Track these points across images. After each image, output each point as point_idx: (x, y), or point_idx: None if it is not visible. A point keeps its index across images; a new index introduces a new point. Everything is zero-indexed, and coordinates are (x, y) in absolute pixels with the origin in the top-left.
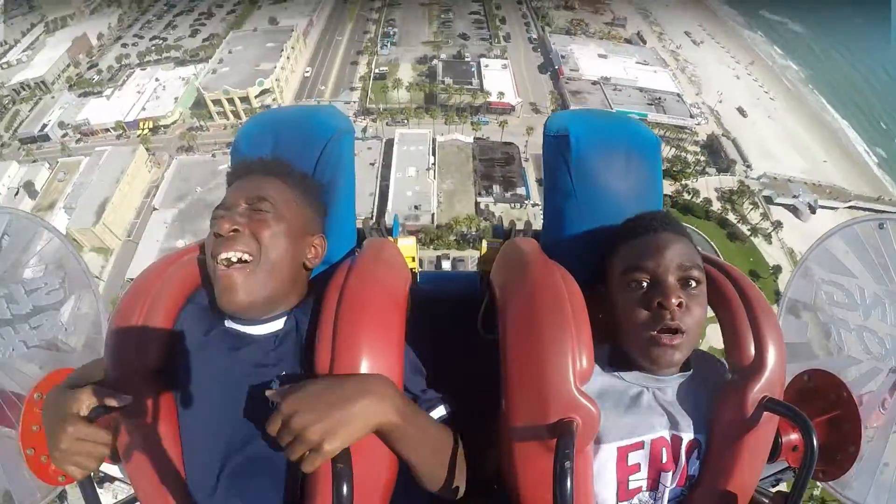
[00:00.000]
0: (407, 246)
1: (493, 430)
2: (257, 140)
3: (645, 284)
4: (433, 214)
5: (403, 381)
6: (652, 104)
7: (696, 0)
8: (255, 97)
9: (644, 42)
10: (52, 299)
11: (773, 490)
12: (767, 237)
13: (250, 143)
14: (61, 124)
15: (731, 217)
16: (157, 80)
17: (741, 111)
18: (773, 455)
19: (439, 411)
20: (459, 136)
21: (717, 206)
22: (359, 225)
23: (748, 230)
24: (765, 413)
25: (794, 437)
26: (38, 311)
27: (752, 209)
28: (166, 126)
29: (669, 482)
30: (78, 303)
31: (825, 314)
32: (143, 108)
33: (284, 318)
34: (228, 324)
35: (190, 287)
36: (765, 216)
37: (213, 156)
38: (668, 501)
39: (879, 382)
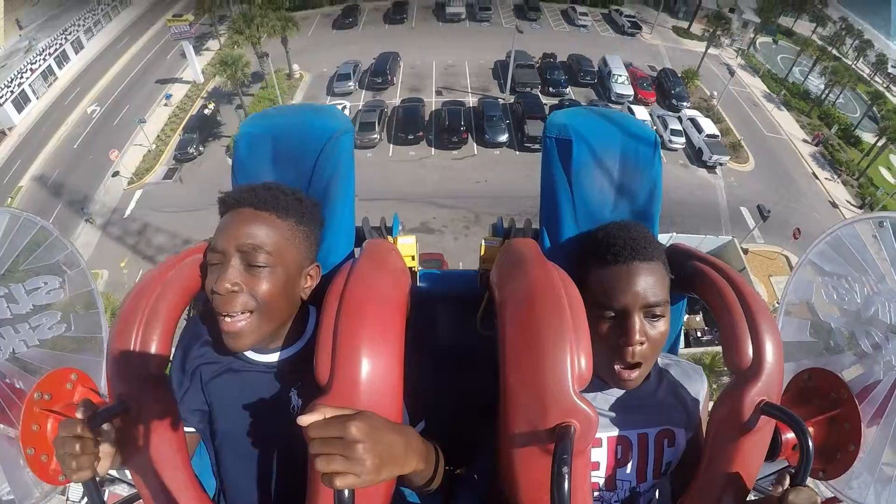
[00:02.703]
0: (406, 245)
1: (492, 430)
2: (257, 140)
3: (611, 317)
4: None
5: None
6: None
7: None
8: None
9: None
10: (52, 299)
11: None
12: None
13: (250, 144)
14: None
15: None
16: None
17: None
18: (774, 454)
19: (422, 424)
20: None
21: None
22: (358, 224)
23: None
24: (762, 416)
25: (793, 435)
26: (38, 310)
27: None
28: None
29: (632, 480)
30: (78, 302)
31: (825, 312)
32: None
33: (283, 348)
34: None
35: (191, 292)
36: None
37: None
38: (644, 492)
39: (880, 382)
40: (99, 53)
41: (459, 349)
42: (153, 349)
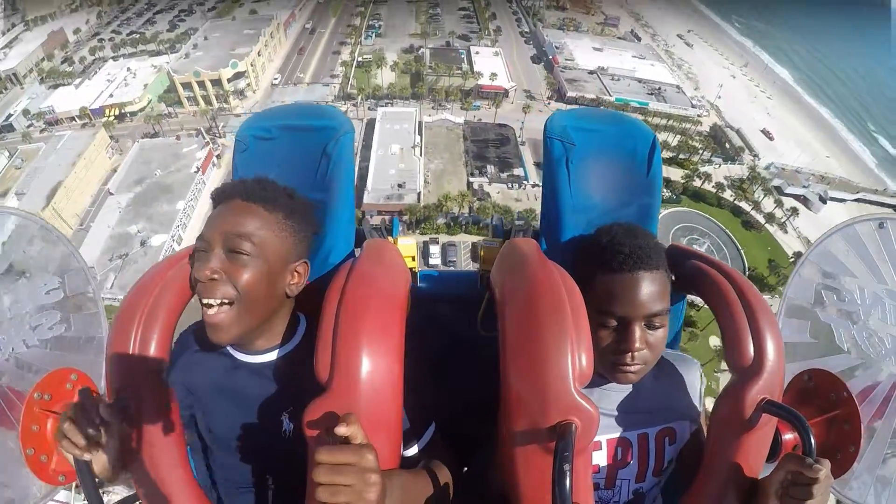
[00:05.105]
0: (407, 245)
1: (493, 430)
2: (258, 141)
3: (613, 323)
4: (419, 193)
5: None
6: (652, 94)
7: (684, 2)
8: (228, 80)
9: (639, 39)
10: (52, 299)
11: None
12: (782, 226)
13: (251, 144)
14: (25, 112)
15: (744, 206)
16: (128, 69)
17: (766, 133)
18: (774, 453)
19: (427, 434)
20: (449, 117)
21: (727, 194)
22: (358, 225)
23: (763, 219)
24: (763, 414)
25: (794, 435)
26: (38, 311)
27: (763, 197)
28: (133, 113)
29: (632, 478)
30: (78, 302)
31: (825, 314)
32: (111, 96)
33: (278, 350)
34: (231, 351)
35: (190, 290)
36: (779, 203)
37: (178, 138)
38: (648, 490)
39: (880, 382)
40: None
41: (460, 350)
42: (152, 347)
